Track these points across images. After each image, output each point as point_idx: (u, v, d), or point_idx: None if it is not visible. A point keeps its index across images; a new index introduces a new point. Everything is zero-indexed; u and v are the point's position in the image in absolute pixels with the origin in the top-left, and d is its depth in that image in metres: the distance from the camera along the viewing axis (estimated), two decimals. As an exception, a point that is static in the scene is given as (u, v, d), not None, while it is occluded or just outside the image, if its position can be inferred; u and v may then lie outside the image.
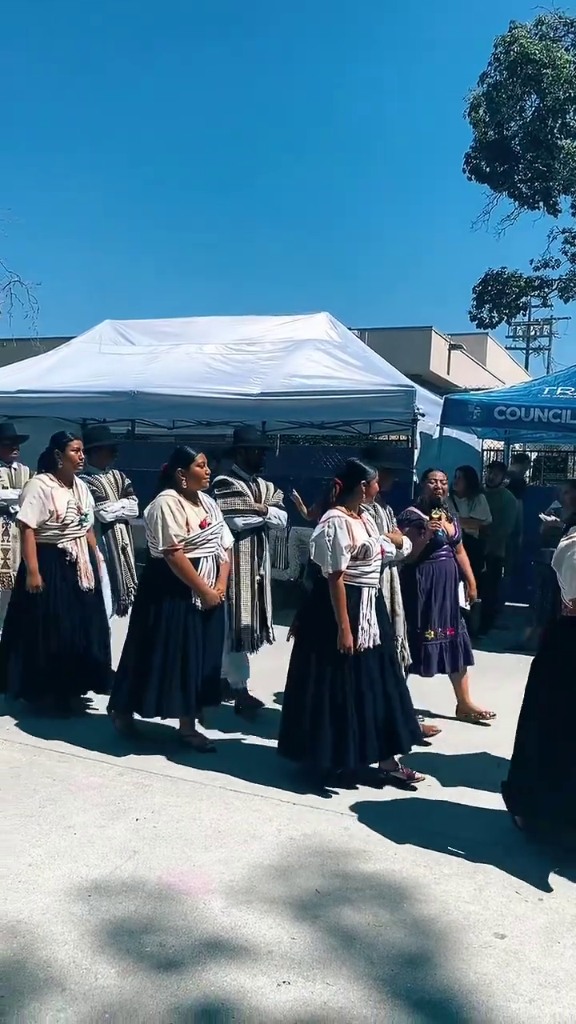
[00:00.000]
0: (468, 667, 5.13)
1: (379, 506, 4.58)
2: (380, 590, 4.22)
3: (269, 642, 5.16)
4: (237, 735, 4.73)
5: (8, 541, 6.19)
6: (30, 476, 6.21)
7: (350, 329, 9.83)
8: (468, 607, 5.25)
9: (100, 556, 5.28)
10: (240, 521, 4.91)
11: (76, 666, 4.82)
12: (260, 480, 5.14)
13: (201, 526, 4.27)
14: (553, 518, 7.20)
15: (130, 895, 3.00)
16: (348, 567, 3.91)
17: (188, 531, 4.22)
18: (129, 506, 5.68)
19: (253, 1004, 2.43)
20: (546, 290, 23.96)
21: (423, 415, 7.46)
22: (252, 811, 3.73)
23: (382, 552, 4.16)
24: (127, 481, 5.80)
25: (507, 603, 8.23)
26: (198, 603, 4.26)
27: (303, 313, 9.48)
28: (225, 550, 4.49)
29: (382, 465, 4.44)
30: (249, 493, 5.00)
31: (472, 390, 12.26)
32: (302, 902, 2.99)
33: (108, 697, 4.62)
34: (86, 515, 4.97)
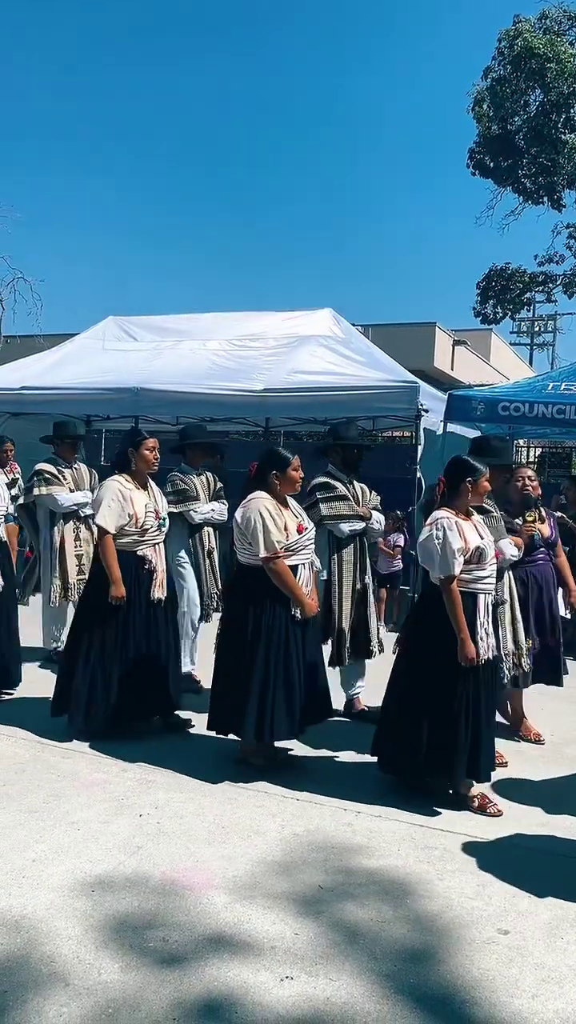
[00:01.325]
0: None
1: (495, 507, 4.21)
2: (496, 597, 3.90)
3: (381, 650, 4.84)
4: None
5: (80, 546, 5.80)
6: (90, 476, 6.04)
7: (353, 325, 9.80)
8: (568, 615, 4.89)
9: (165, 564, 4.81)
10: (346, 527, 4.68)
11: (149, 686, 4.55)
12: (355, 482, 4.85)
13: (298, 531, 4.06)
14: (558, 514, 7.19)
15: (133, 891, 3.00)
16: (461, 572, 3.61)
17: (287, 537, 4.01)
18: (219, 509, 5.49)
19: (256, 999, 2.43)
20: (550, 285, 23.93)
21: (427, 411, 7.44)
22: (255, 807, 3.73)
23: (498, 555, 3.87)
24: (219, 484, 5.59)
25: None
26: (297, 614, 4.01)
27: (306, 309, 9.47)
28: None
29: (492, 462, 4.01)
30: (351, 496, 4.75)
31: (476, 386, 12.23)
32: (305, 898, 2.99)
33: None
34: (164, 520, 4.71)
